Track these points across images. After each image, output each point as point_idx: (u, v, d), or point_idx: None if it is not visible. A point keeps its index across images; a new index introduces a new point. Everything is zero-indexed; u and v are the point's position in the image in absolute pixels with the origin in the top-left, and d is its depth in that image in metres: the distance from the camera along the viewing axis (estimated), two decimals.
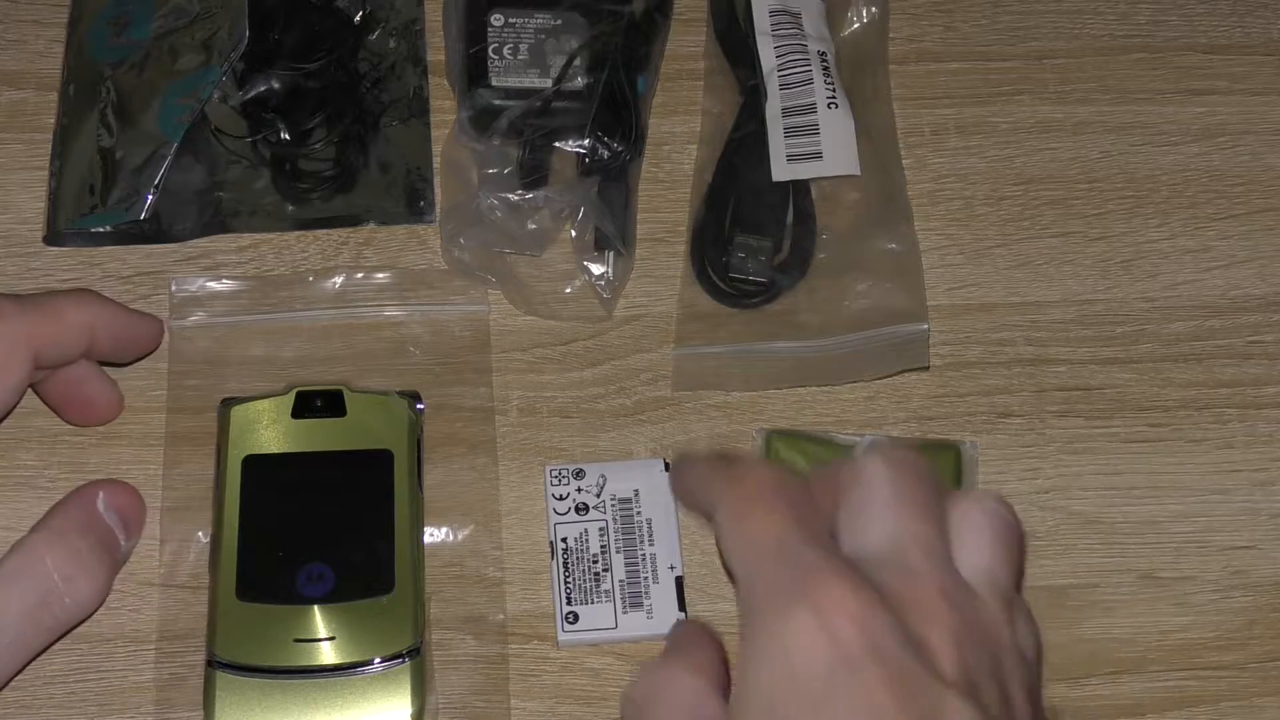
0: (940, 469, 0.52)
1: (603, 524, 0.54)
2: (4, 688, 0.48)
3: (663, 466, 0.56)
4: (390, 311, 0.58)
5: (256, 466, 0.53)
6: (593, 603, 0.53)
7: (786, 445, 0.55)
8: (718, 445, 0.56)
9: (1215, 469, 0.57)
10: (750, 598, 0.36)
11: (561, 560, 0.54)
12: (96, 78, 0.61)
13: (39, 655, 0.49)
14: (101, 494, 0.51)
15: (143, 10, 0.62)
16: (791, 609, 0.35)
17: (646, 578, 0.54)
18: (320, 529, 0.52)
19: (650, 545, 0.54)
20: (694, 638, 0.40)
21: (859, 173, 0.60)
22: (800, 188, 0.60)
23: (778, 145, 0.59)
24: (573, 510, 0.54)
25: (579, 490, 0.55)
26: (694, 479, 0.41)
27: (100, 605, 0.50)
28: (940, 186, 0.62)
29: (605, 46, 0.60)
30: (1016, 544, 0.39)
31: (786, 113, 0.60)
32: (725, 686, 0.38)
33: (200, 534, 0.54)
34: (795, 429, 0.56)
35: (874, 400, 0.58)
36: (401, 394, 0.55)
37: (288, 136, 0.60)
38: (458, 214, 0.59)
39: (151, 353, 0.56)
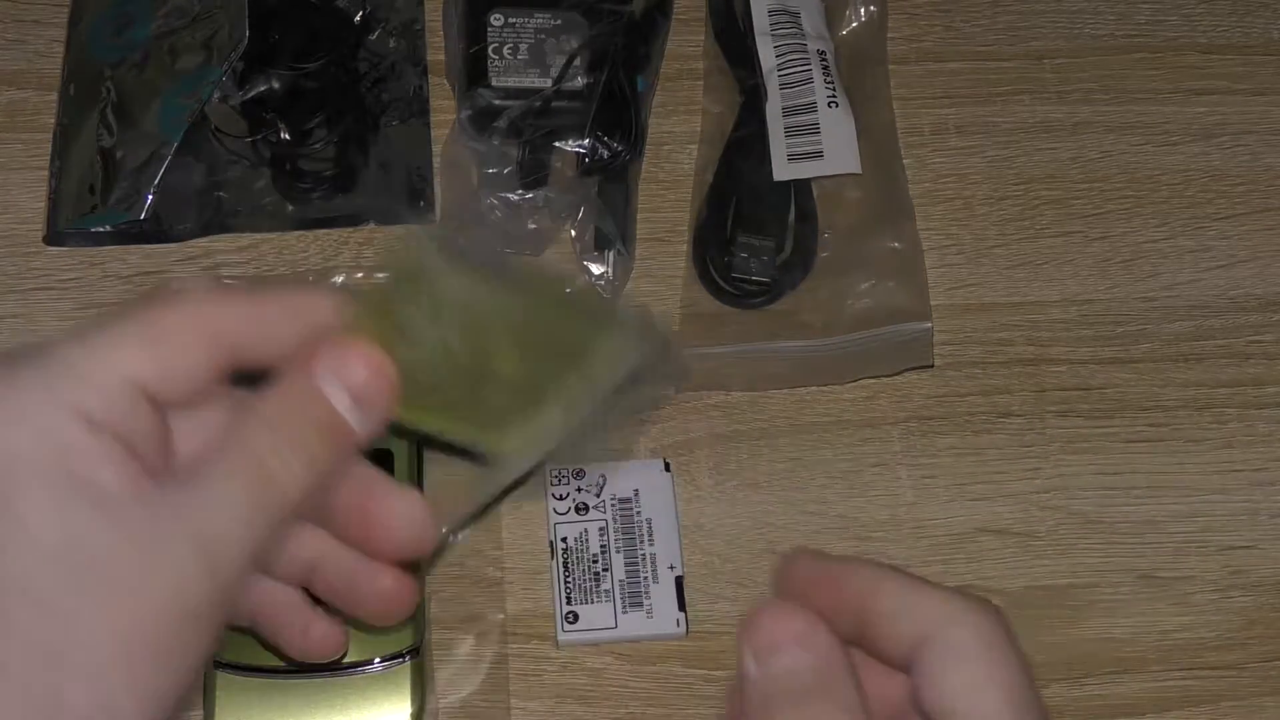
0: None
1: (602, 524, 0.54)
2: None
3: (663, 466, 0.56)
4: None
5: None
6: (592, 602, 0.53)
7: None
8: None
9: (1215, 469, 0.57)
10: None
11: (561, 560, 0.54)
12: (96, 78, 0.61)
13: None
14: (320, 369, 0.38)
15: (143, 10, 0.62)
16: None
17: (646, 577, 0.54)
18: None
19: (650, 545, 0.54)
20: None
21: (860, 171, 0.60)
22: (802, 187, 0.60)
23: (778, 145, 0.60)
24: (573, 510, 0.54)
25: (579, 490, 0.55)
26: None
27: (318, 484, 0.38)
28: (940, 186, 0.62)
29: (605, 46, 0.61)
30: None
31: (787, 112, 0.60)
32: None
33: None
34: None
35: (874, 400, 0.58)
36: None
37: (288, 136, 0.60)
38: (458, 214, 0.59)
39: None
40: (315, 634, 0.43)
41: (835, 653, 0.37)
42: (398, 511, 0.41)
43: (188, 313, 0.38)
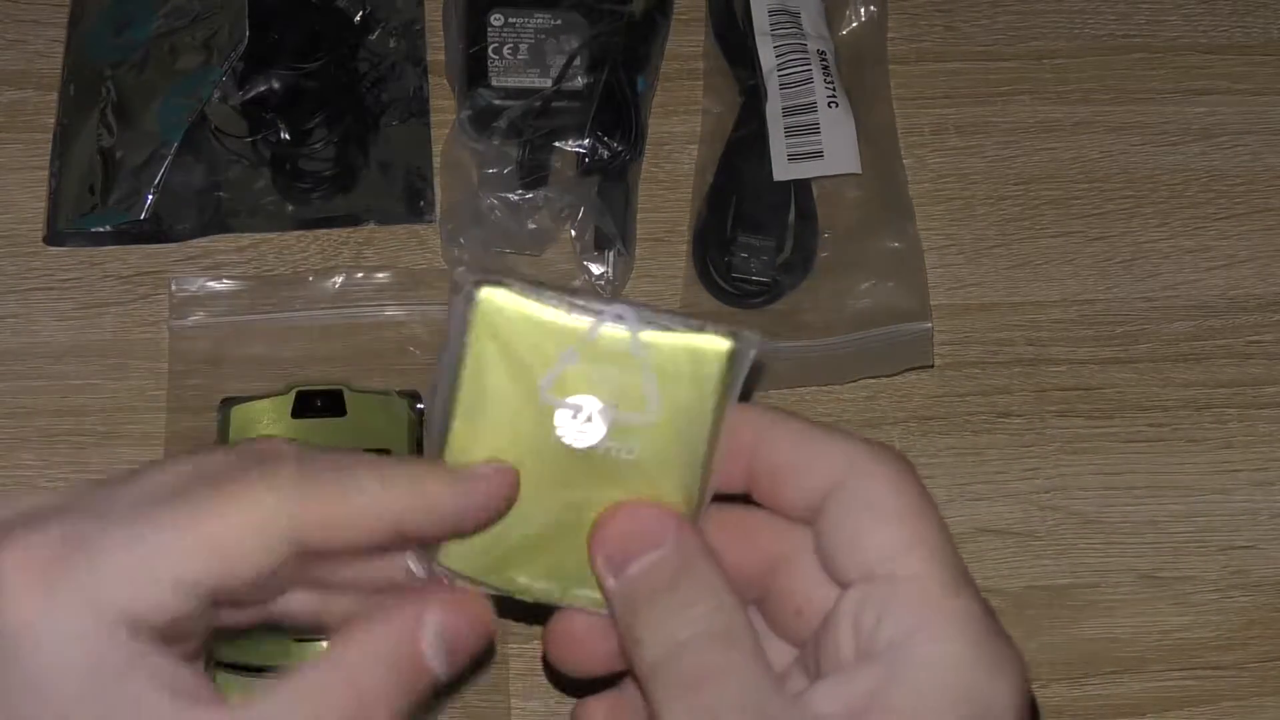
0: (698, 375, 0.38)
1: None
2: None
3: None
4: (390, 311, 0.58)
5: None
6: None
7: (501, 308, 0.37)
8: None
9: (1215, 469, 0.57)
10: None
11: None
12: (96, 78, 0.61)
13: None
14: (429, 621, 0.36)
15: (143, 10, 0.62)
16: None
17: None
18: None
19: None
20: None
21: (860, 171, 0.60)
22: (802, 187, 0.60)
23: (778, 145, 0.59)
24: None
25: None
26: None
27: None
28: (940, 186, 0.62)
29: (605, 46, 0.60)
30: None
31: (787, 112, 0.60)
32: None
33: None
34: (529, 278, 0.38)
35: (874, 400, 0.58)
36: (401, 394, 0.55)
37: (288, 136, 0.60)
38: (458, 214, 0.59)
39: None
40: None
41: (689, 541, 0.36)
42: None
43: (257, 515, 0.34)
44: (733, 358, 0.38)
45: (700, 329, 0.38)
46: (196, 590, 0.34)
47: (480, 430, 0.38)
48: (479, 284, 0.37)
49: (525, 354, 0.37)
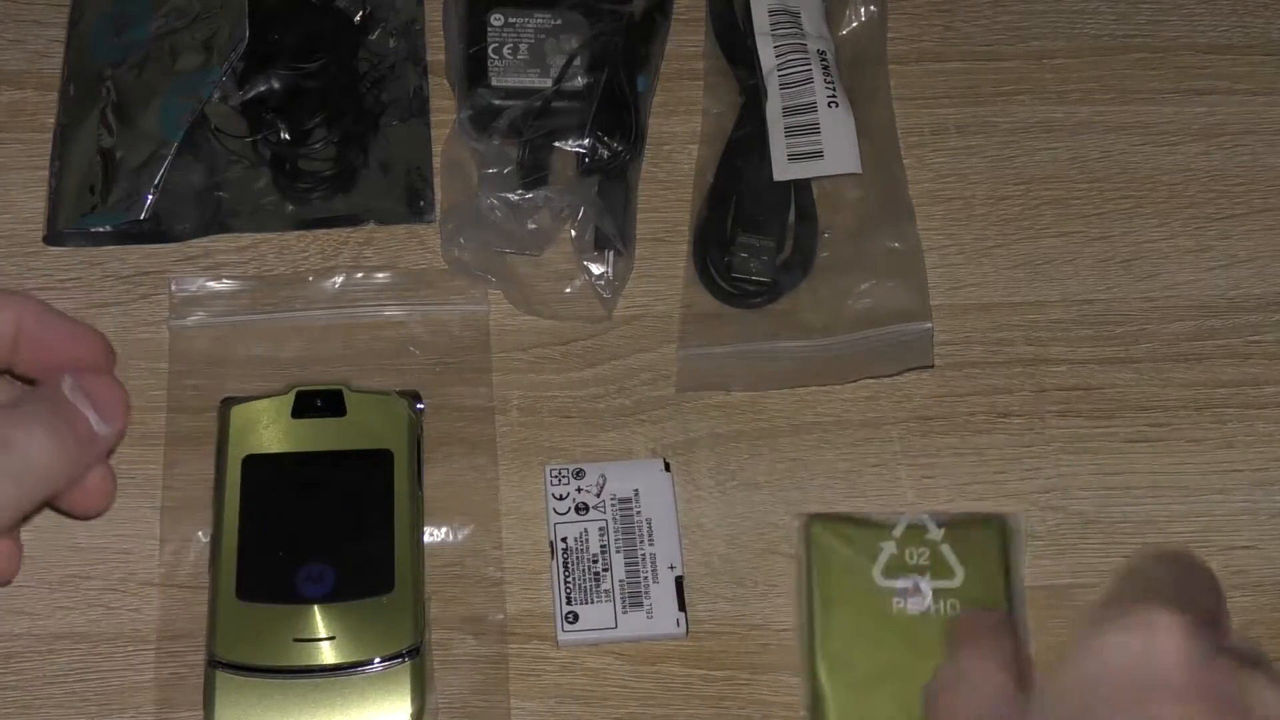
0: (985, 542, 0.54)
1: (602, 524, 0.54)
2: None
3: (663, 466, 0.56)
4: (390, 311, 0.58)
5: (256, 466, 0.53)
6: (593, 602, 0.53)
7: (824, 529, 0.54)
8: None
9: (1215, 469, 0.57)
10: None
11: (562, 560, 0.54)
12: (96, 78, 0.61)
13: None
14: (68, 378, 0.49)
15: (143, 10, 0.62)
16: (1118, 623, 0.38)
17: (646, 577, 0.54)
18: (320, 529, 0.52)
19: (650, 545, 0.54)
20: (994, 629, 0.45)
21: (860, 171, 0.60)
22: (802, 187, 0.60)
23: (778, 145, 0.60)
24: (573, 510, 0.55)
25: (579, 490, 0.55)
26: None
27: (64, 477, 0.48)
28: (940, 186, 0.62)
29: (605, 46, 0.60)
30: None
31: (787, 112, 0.60)
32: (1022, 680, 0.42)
33: (200, 534, 0.54)
34: (832, 511, 0.55)
35: (874, 400, 0.58)
36: (401, 394, 0.55)
37: (288, 136, 0.60)
38: (458, 214, 0.59)
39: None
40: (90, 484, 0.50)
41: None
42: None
43: (8, 300, 0.49)
44: (1004, 529, 0.54)
45: (976, 516, 0.54)
46: None
47: (839, 616, 0.52)
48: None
49: (854, 555, 0.53)
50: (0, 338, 0.49)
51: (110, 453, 0.50)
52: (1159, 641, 0.36)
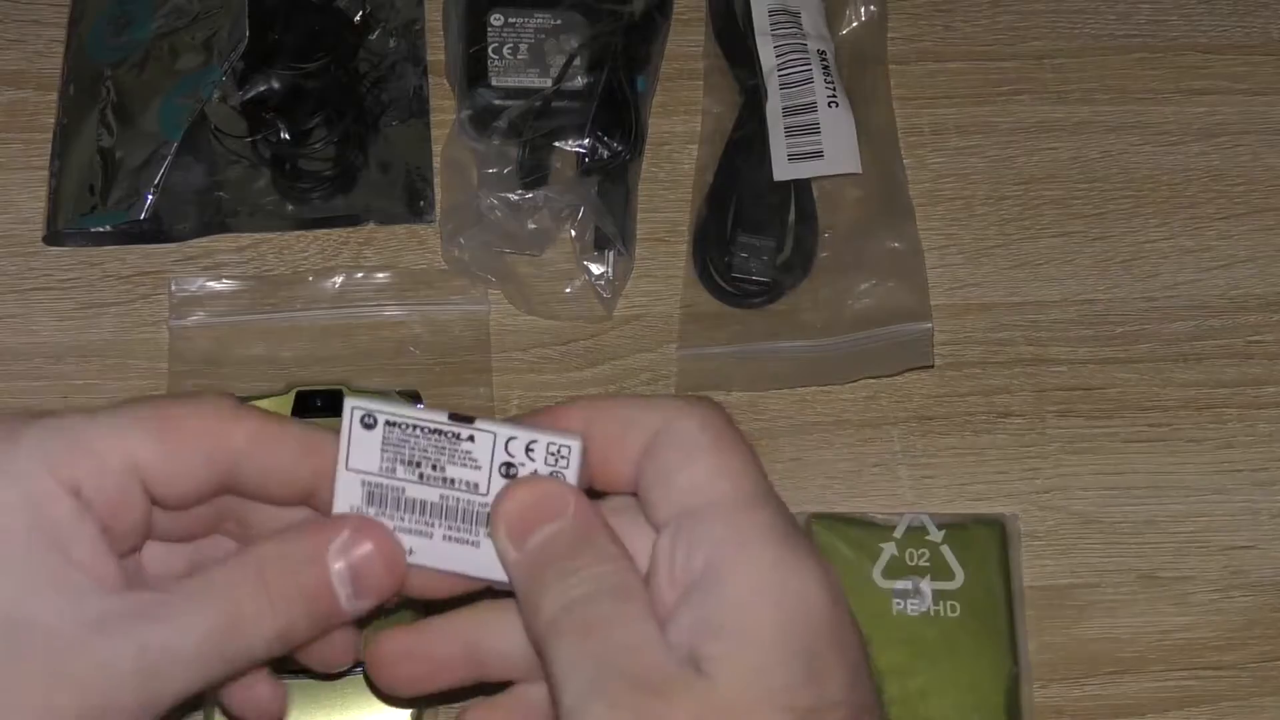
0: (985, 544, 0.54)
1: None
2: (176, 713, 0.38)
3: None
4: (390, 311, 0.58)
5: None
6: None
7: (826, 529, 0.54)
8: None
9: (1215, 469, 0.57)
10: None
11: None
12: (96, 78, 0.61)
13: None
14: (335, 544, 0.39)
15: (143, 10, 0.62)
16: None
17: None
18: None
19: None
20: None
21: (860, 171, 0.60)
22: (802, 187, 0.60)
23: (778, 144, 0.59)
24: None
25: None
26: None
27: (284, 648, 0.39)
28: (940, 186, 0.62)
29: (605, 46, 0.60)
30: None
31: (787, 112, 0.60)
32: None
33: None
34: (833, 512, 0.55)
35: (874, 400, 0.58)
36: (401, 394, 0.55)
37: (288, 136, 0.60)
38: (458, 214, 0.59)
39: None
40: (258, 693, 0.42)
41: (584, 510, 0.37)
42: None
43: (204, 414, 0.38)
44: (1004, 530, 0.54)
45: (975, 518, 0.55)
46: (141, 477, 0.37)
47: None
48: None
49: (855, 555, 0.53)
50: (206, 469, 0.38)
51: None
52: None
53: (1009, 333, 0.59)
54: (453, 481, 0.40)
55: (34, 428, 0.36)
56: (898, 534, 0.54)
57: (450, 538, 0.40)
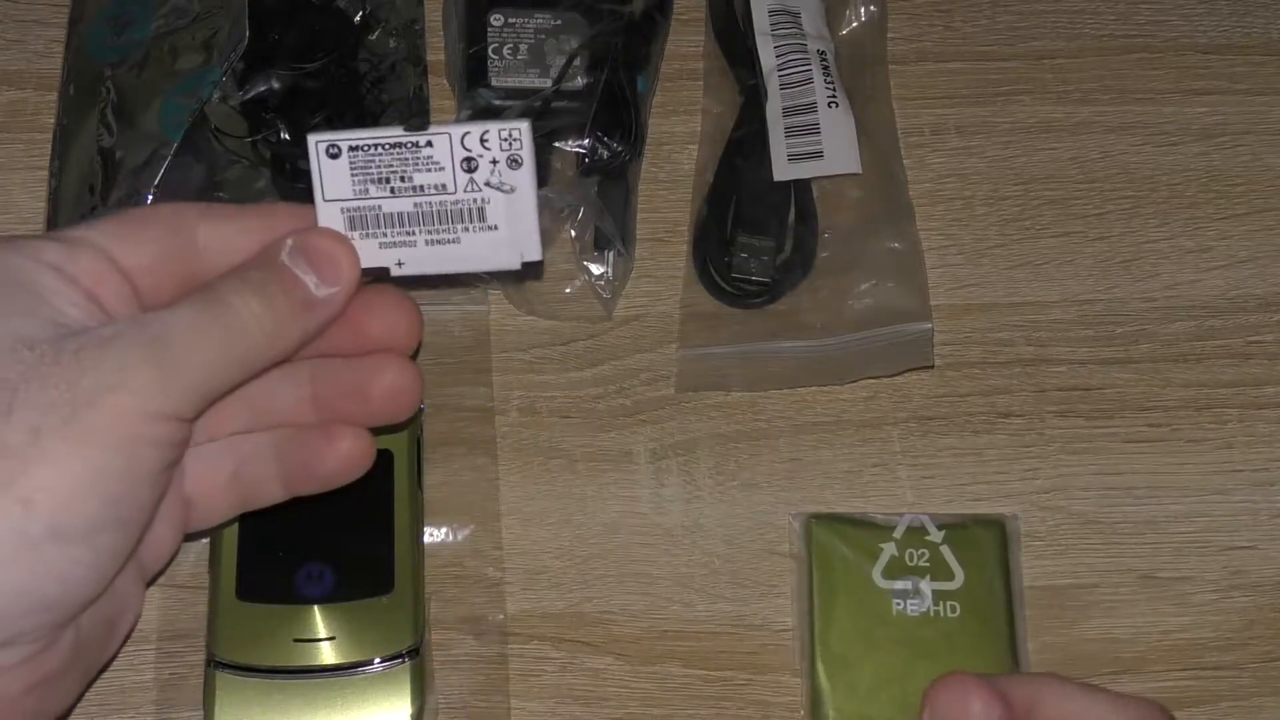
0: (985, 544, 0.54)
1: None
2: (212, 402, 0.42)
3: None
4: None
5: None
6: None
7: (825, 529, 0.54)
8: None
9: (1215, 469, 0.57)
10: None
11: None
12: (96, 78, 0.61)
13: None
14: (290, 240, 0.43)
15: (143, 10, 0.62)
16: None
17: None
18: (320, 529, 0.52)
19: None
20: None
21: (860, 171, 0.60)
22: (802, 187, 0.60)
23: (778, 145, 0.60)
24: None
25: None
26: None
27: (280, 346, 0.42)
28: (940, 186, 0.62)
29: (605, 46, 0.60)
30: None
31: (787, 112, 0.60)
32: None
33: None
34: (833, 512, 0.55)
35: (874, 400, 0.58)
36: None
37: (288, 136, 0.60)
38: None
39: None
40: (343, 445, 0.46)
41: None
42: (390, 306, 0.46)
43: (162, 209, 0.44)
44: (1004, 531, 0.54)
45: (975, 518, 0.54)
46: (113, 260, 0.42)
47: (839, 618, 0.52)
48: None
49: (855, 556, 0.53)
50: (166, 258, 0.43)
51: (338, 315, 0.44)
52: None
53: (1009, 333, 0.60)
54: (422, 188, 0.43)
55: (12, 240, 0.41)
56: (897, 534, 0.54)
57: (433, 240, 0.44)
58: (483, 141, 0.42)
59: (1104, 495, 0.57)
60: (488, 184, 0.44)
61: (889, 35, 0.64)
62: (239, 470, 0.47)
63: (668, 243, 0.61)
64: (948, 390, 0.58)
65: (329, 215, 0.43)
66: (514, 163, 0.43)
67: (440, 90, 0.63)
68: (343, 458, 0.46)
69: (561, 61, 0.60)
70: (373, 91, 0.62)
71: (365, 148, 0.43)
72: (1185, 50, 0.65)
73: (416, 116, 0.43)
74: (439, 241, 0.44)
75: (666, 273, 0.60)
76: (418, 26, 0.64)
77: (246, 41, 0.59)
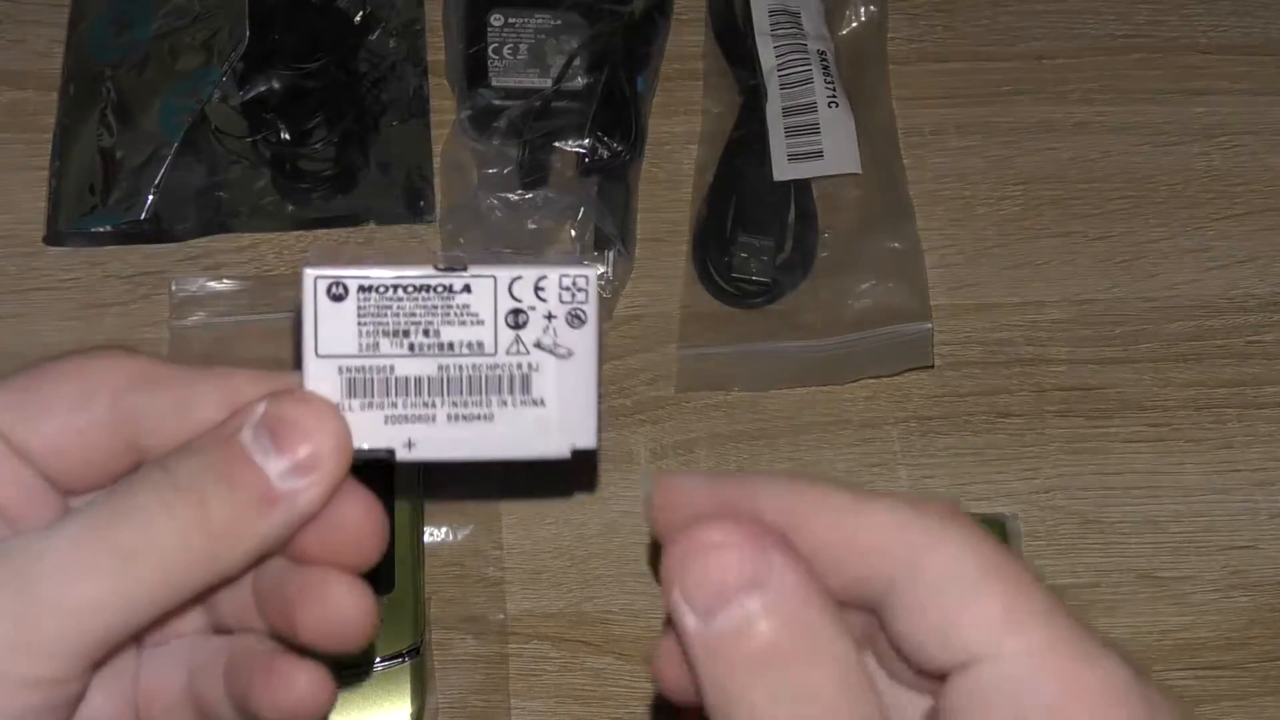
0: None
1: None
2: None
3: None
4: None
5: None
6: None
7: None
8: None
9: (1215, 469, 0.57)
10: None
11: None
12: (96, 78, 0.61)
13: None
14: (259, 410, 0.32)
15: (143, 10, 0.62)
16: None
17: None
18: None
19: None
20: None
21: (860, 171, 0.60)
22: (802, 187, 0.60)
23: (778, 145, 0.60)
24: None
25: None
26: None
27: (241, 562, 0.32)
28: (940, 186, 0.62)
29: (605, 46, 0.61)
30: None
31: (787, 112, 0.60)
32: None
33: None
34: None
35: (874, 400, 0.58)
36: None
37: (288, 136, 0.60)
38: (458, 214, 0.59)
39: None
40: (301, 682, 0.34)
41: (811, 594, 0.28)
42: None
43: (75, 372, 0.33)
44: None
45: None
46: (15, 448, 0.32)
47: None
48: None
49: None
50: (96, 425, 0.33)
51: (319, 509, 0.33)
52: None
53: (1009, 333, 0.60)
54: (451, 346, 0.34)
55: None
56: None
57: (457, 415, 0.34)
58: (537, 290, 0.33)
59: (1104, 495, 0.57)
60: (538, 345, 0.34)
61: (889, 35, 0.64)
62: (192, 681, 0.36)
63: (668, 243, 0.61)
64: (947, 390, 0.58)
65: (320, 376, 0.33)
66: (575, 319, 0.33)
67: (440, 90, 0.63)
68: (283, 708, 0.34)
69: (561, 61, 0.60)
70: (373, 91, 0.62)
71: (381, 289, 0.33)
72: (1185, 50, 0.65)
73: (452, 252, 0.33)
74: (465, 417, 0.34)
75: (666, 273, 0.60)
76: (418, 26, 0.64)
77: (246, 42, 0.59)
